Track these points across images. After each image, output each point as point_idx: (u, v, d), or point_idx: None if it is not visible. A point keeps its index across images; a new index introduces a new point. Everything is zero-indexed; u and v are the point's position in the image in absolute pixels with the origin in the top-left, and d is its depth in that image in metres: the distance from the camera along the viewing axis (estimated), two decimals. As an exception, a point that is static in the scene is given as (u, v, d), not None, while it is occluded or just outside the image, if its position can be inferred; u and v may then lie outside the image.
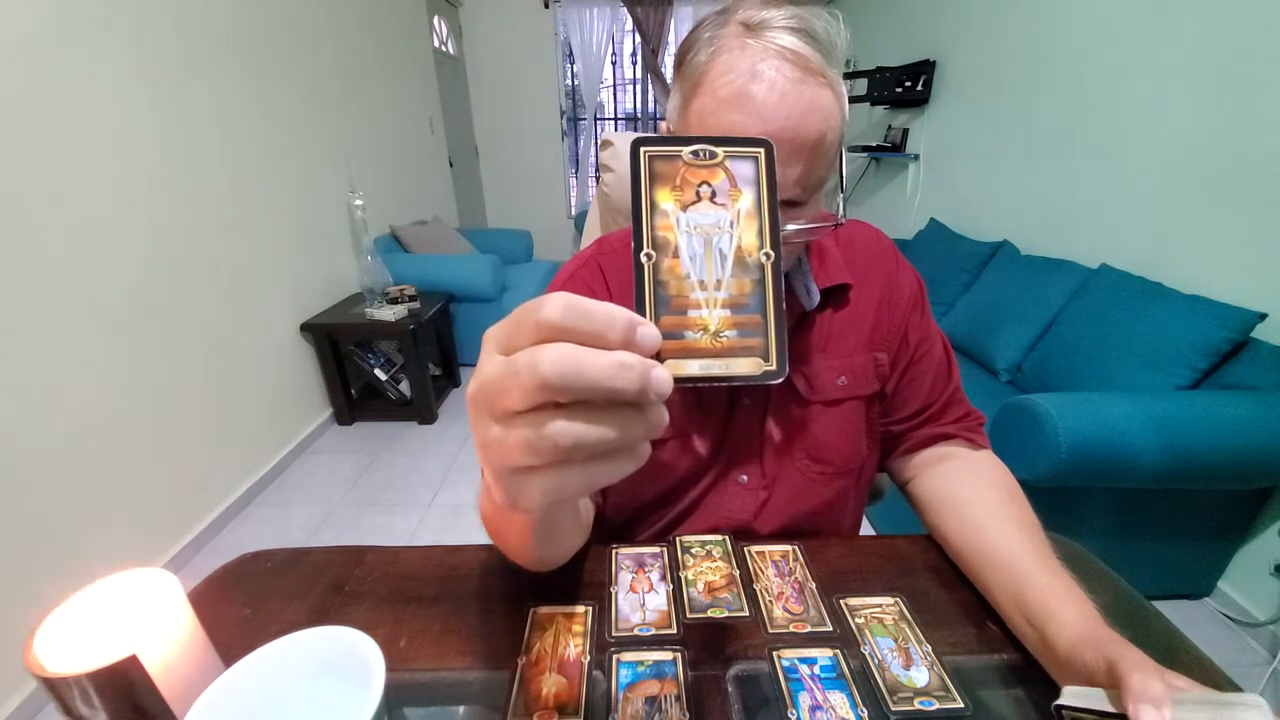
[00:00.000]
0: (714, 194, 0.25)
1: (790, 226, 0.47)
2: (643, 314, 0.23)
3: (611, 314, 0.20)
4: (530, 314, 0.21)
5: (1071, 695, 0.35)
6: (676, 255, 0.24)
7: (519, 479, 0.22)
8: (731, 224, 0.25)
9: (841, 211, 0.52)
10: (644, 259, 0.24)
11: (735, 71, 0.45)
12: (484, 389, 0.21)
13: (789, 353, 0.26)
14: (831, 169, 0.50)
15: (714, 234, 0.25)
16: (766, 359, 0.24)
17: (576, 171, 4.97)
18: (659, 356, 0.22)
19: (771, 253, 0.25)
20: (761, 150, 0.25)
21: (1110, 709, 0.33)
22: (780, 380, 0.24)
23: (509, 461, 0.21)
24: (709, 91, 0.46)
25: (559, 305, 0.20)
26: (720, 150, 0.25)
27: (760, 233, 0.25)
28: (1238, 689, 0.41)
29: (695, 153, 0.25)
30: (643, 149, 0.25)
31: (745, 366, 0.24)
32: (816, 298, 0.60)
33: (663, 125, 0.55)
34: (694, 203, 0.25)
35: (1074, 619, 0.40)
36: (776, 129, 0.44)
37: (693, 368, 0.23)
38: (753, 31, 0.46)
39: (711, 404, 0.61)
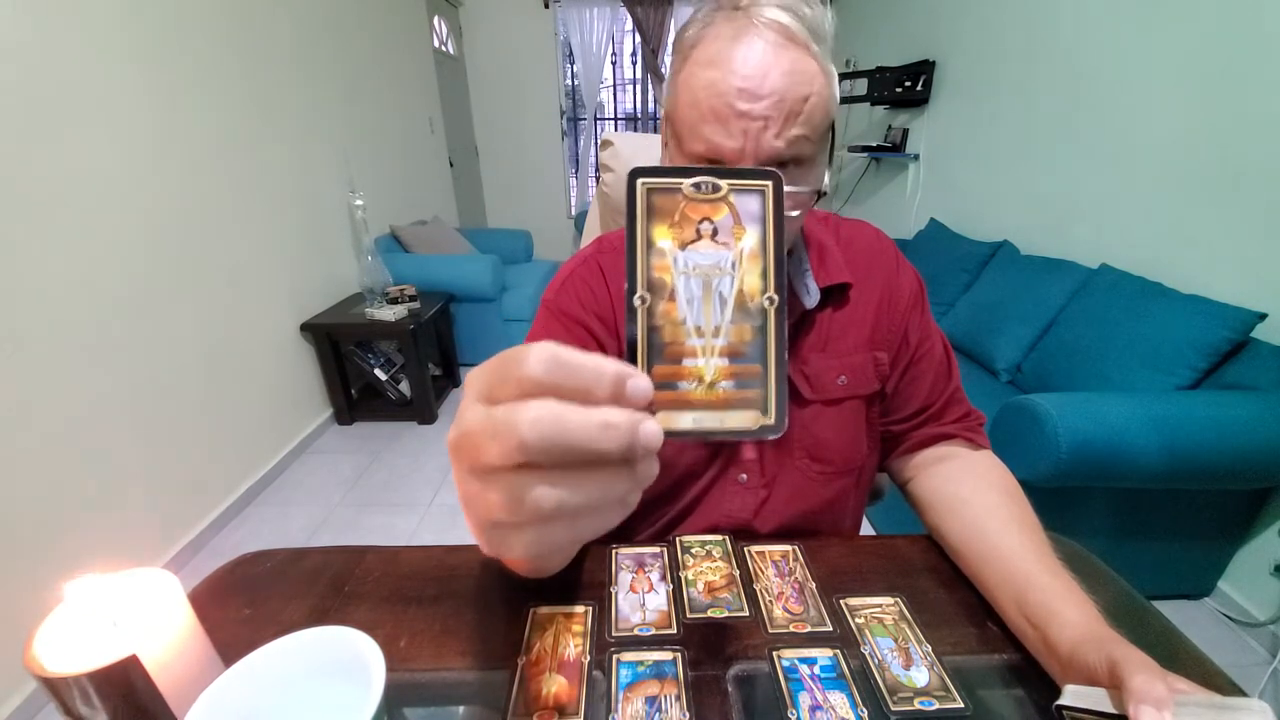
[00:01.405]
0: (715, 231, 0.23)
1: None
2: (634, 362, 0.22)
3: (600, 368, 0.19)
4: (513, 367, 0.19)
5: (1072, 695, 0.35)
6: (673, 298, 0.23)
7: (501, 533, 0.21)
8: (734, 265, 0.23)
9: (827, 182, 0.52)
10: (638, 302, 0.23)
11: (720, 39, 0.46)
12: (464, 439, 0.20)
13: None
14: (820, 146, 0.50)
15: (714, 276, 0.23)
16: (765, 412, 0.23)
17: (576, 171, 4.97)
18: (650, 408, 0.21)
19: (775, 297, 0.23)
20: (769, 183, 0.24)
21: (1111, 709, 0.33)
22: (778, 436, 0.23)
23: (489, 516, 0.21)
24: (695, 61, 0.47)
25: (542, 360, 0.19)
26: (724, 184, 0.24)
27: (764, 274, 0.23)
28: (1238, 689, 0.41)
29: (697, 185, 0.23)
30: (640, 181, 0.23)
31: (741, 420, 0.23)
32: (817, 296, 0.60)
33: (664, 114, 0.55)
34: (694, 241, 0.23)
35: (1076, 619, 0.40)
36: (754, 85, 0.44)
37: (685, 421, 0.22)
38: (741, 9, 0.47)
39: None
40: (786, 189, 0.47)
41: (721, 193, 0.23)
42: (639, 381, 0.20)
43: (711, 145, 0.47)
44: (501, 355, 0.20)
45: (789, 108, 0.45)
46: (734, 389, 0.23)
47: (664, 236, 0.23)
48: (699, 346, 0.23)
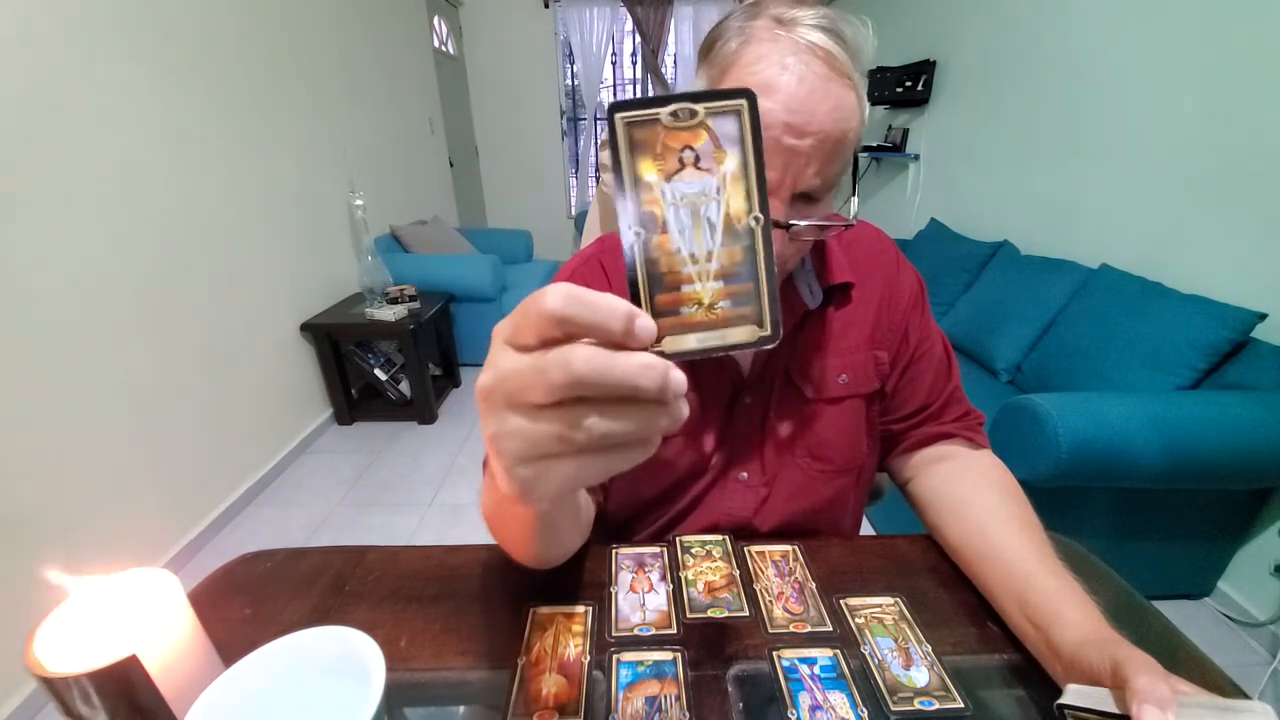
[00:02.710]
0: (697, 159, 0.24)
1: (803, 223, 0.48)
2: (636, 295, 0.24)
3: (612, 304, 0.21)
4: (534, 305, 0.21)
5: (1074, 694, 0.35)
6: (665, 230, 0.24)
7: (538, 467, 0.22)
8: (718, 190, 0.24)
9: (853, 212, 0.52)
10: (633, 237, 0.24)
11: (765, 61, 0.45)
12: (502, 383, 0.22)
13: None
14: (846, 170, 0.50)
15: (701, 203, 0.24)
16: (761, 324, 0.24)
17: (576, 171, 4.97)
18: (659, 336, 0.23)
19: (761, 216, 0.24)
20: (744, 102, 0.24)
21: (1113, 709, 0.33)
22: (775, 344, 0.24)
23: (535, 451, 0.22)
24: (736, 79, 0.47)
25: (560, 296, 0.20)
26: (700, 107, 0.24)
27: (748, 195, 0.24)
28: (1238, 689, 0.41)
29: (674, 114, 0.24)
30: (618, 116, 0.24)
31: (741, 335, 0.24)
32: (819, 296, 0.60)
33: None
34: (677, 171, 0.24)
35: (1079, 620, 0.40)
36: (800, 122, 0.44)
37: (690, 341, 0.24)
38: (783, 25, 0.46)
39: (713, 401, 0.61)
40: (813, 223, 0.48)
41: (698, 117, 0.24)
42: (644, 322, 0.21)
43: None
44: (523, 302, 0.22)
45: (829, 147, 0.45)
46: (731, 308, 0.24)
47: (649, 170, 0.24)
48: (694, 273, 0.24)
